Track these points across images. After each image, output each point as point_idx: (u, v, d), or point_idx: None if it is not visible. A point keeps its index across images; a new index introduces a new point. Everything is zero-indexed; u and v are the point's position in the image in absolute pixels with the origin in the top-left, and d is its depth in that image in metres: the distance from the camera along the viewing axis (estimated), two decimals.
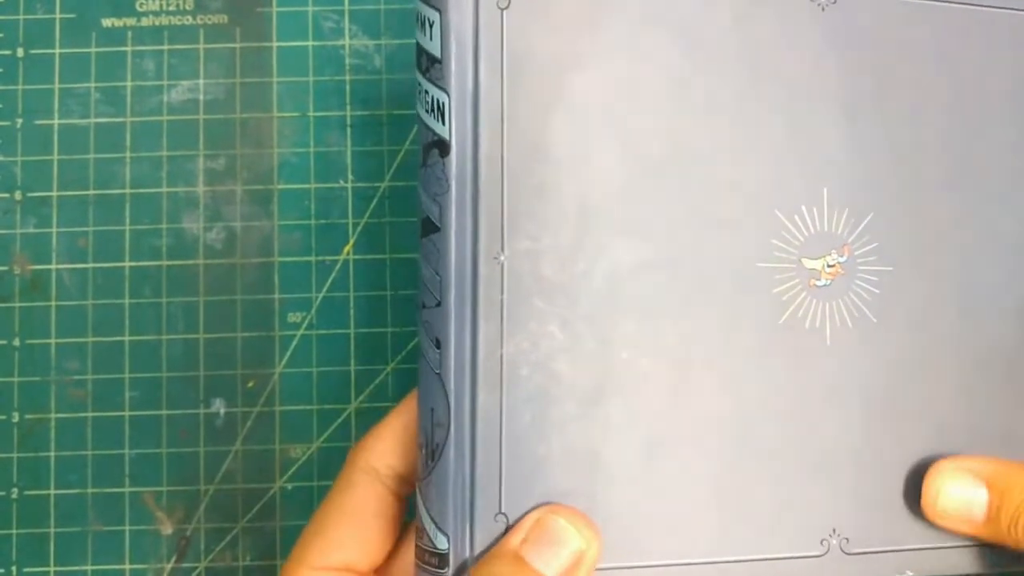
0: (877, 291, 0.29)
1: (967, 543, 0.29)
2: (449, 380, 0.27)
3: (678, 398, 0.28)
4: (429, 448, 0.27)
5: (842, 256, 0.29)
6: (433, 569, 0.27)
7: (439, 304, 0.26)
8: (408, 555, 0.30)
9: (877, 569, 0.28)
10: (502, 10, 0.26)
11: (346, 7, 0.38)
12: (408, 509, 0.30)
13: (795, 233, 0.28)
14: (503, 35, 0.26)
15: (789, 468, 0.28)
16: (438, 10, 0.26)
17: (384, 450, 0.29)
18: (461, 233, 0.26)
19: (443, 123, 0.26)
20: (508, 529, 0.27)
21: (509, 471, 0.27)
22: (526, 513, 0.27)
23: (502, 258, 0.26)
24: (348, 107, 0.38)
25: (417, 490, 0.28)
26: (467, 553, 0.27)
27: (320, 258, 0.38)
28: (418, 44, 0.27)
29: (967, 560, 0.29)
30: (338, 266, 0.38)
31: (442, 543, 0.27)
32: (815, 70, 0.28)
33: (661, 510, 0.27)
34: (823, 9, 0.28)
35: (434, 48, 0.26)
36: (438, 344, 0.27)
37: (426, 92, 0.26)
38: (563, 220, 0.27)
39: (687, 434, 0.28)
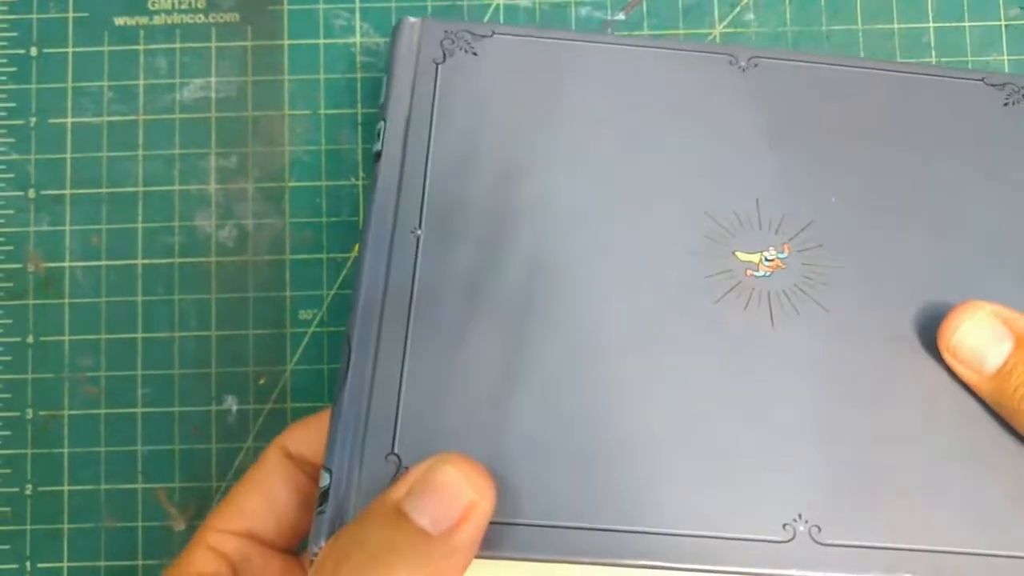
0: (824, 284, 0.30)
1: (963, 549, 0.27)
2: (355, 324, 0.29)
3: (597, 372, 0.29)
4: (333, 400, 0.29)
5: (782, 252, 0.31)
6: (317, 508, 0.27)
7: (360, 269, 0.30)
8: None
9: (863, 564, 0.27)
10: (437, 64, 0.33)
11: (357, 5, 0.39)
12: None
13: (727, 229, 0.31)
14: (436, 83, 0.33)
15: (739, 449, 0.28)
16: (392, 59, 0.33)
17: (303, 438, 0.30)
18: (383, 210, 0.31)
19: (380, 142, 0.32)
20: (398, 472, 0.26)
21: (407, 410, 0.27)
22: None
23: (418, 232, 0.31)
24: (359, 105, 0.38)
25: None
26: (350, 494, 0.26)
27: (331, 255, 0.38)
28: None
29: (968, 568, 0.27)
30: (349, 263, 0.38)
31: (324, 480, 0.27)
32: (738, 112, 0.32)
33: (571, 472, 0.27)
34: (744, 71, 0.33)
35: (384, 89, 0.33)
36: (351, 305, 0.30)
37: (379, 122, 0.33)
38: (477, 206, 0.31)
39: (612, 410, 0.28)
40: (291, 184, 0.38)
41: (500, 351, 0.29)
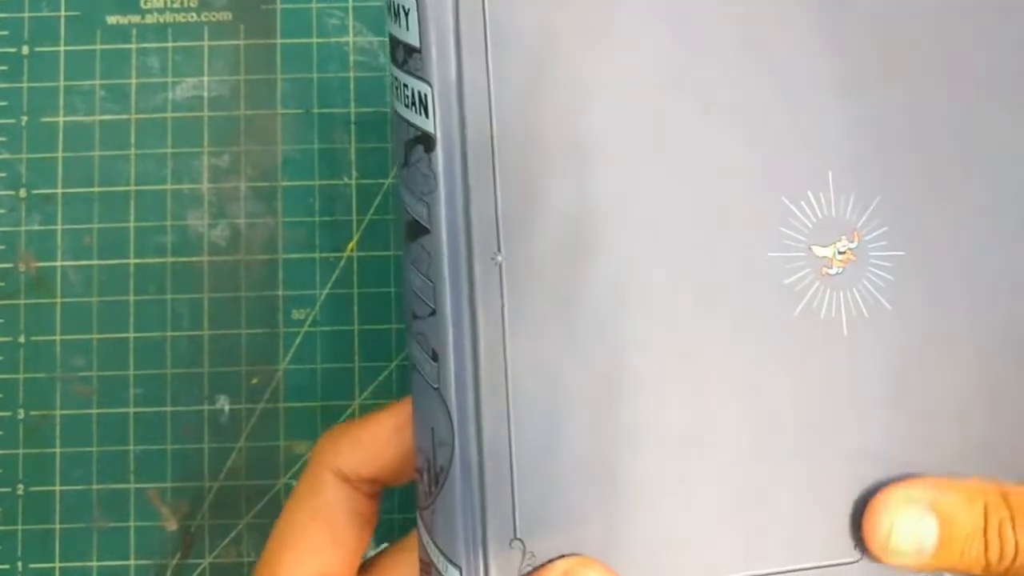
0: (891, 277, 0.27)
1: None
2: (450, 395, 0.24)
3: (693, 402, 0.26)
4: (431, 472, 0.25)
5: (852, 242, 0.27)
6: None
7: (434, 313, 0.24)
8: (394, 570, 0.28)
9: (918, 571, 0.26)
10: None
11: (350, 4, 0.39)
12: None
13: (803, 220, 0.27)
14: (485, 20, 0.24)
15: (812, 468, 0.26)
16: None
17: (357, 457, 0.28)
18: (453, 234, 0.24)
19: (426, 116, 0.24)
20: (523, 558, 0.24)
21: (522, 492, 0.24)
22: (550, 559, 0.24)
23: (499, 258, 0.24)
24: (352, 104, 0.38)
25: (418, 519, 0.26)
26: None
27: (324, 255, 0.38)
28: (392, 36, 0.25)
29: None
30: (342, 263, 0.38)
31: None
32: (808, 49, 0.27)
33: (683, 523, 0.25)
34: None
35: (411, 38, 0.24)
36: (435, 356, 0.24)
37: (404, 86, 0.25)
38: (561, 215, 0.25)
39: (705, 440, 0.26)
40: (284, 183, 0.38)
41: (599, 404, 0.25)
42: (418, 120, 0.24)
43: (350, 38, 0.38)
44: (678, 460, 0.25)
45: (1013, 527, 0.25)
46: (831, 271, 0.27)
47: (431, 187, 0.24)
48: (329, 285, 0.38)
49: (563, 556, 0.24)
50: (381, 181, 0.38)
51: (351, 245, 0.38)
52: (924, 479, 0.27)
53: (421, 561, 0.26)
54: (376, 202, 0.38)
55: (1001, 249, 0.28)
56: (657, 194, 0.26)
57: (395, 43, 0.25)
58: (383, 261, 0.38)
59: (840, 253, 0.27)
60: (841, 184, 0.27)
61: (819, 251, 0.27)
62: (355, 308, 0.37)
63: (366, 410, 0.37)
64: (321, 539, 0.27)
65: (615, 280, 0.25)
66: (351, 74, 0.38)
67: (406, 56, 0.25)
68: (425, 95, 0.24)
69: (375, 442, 0.28)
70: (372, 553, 0.30)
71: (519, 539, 0.24)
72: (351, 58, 0.38)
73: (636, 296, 0.25)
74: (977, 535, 0.26)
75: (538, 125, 0.25)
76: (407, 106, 0.25)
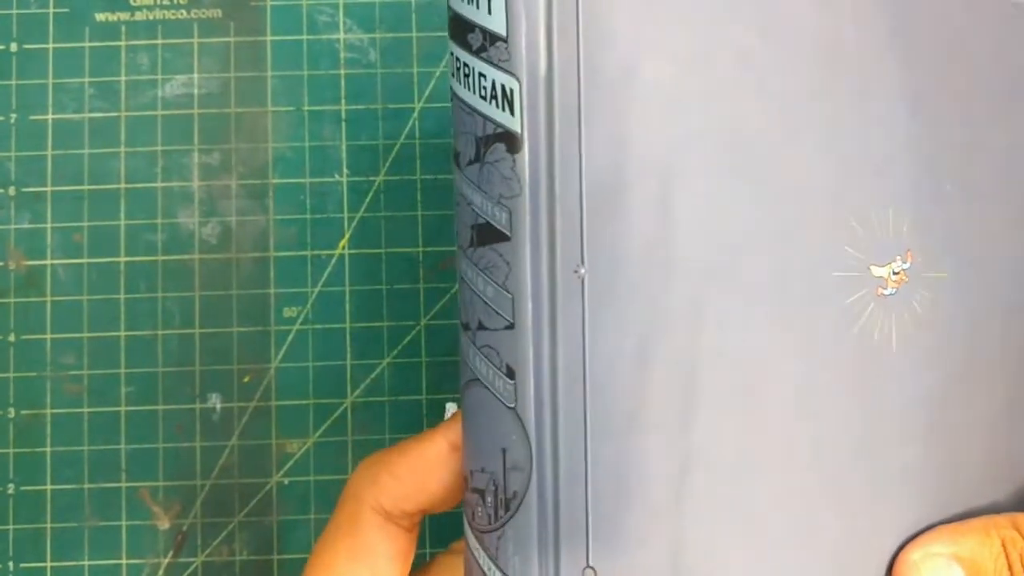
0: (935, 298, 0.27)
1: None
2: (528, 416, 0.23)
3: (758, 423, 0.25)
4: (500, 496, 0.24)
5: (906, 263, 0.26)
6: None
7: (511, 326, 0.23)
8: None
9: None
10: None
11: (340, 1, 0.38)
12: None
13: (865, 238, 0.26)
14: (578, 10, 0.22)
15: (857, 491, 0.26)
16: None
17: (400, 496, 0.26)
18: (537, 244, 0.22)
19: (511, 113, 0.22)
20: None
21: (595, 518, 0.23)
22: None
23: (582, 271, 0.23)
24: (343, 101, 0.38)
25: (475, 541, 0.25)
26: None
27: (316, 252, 0.38)
28: (459, 15, 0.23)
29: None
30: (334, 260, 0.38)
31: None
32: (885, 65, 0.26)
33: (743, 547, 0.25)
34: None
35: (494, 24, 0.22)
36: (511, 373, 0.23)
37: (481, 75, 0.23)
38: (643, 230, 0.23)
39: (766, 463, 0.25)
40: (275, 181, 0.38)
41: (671, 424, 0.24)
42: (499, 116, 0.22)
43: (340, 35, 0.38)
44: (742, 483, 0.25)
45: None
46: (886, 291, 0.26)
47: (514, 191, 0.22)
48: (321, 283, 0.37)
49: None
50: (372, 179, 0.38)
51: (342, 243, 0.38)
52: (938, 530, 0.27)
53: None
54: (367, 200, 0.38)
55: None
56: (735, 211, 0.24)
57: (467, 26, 0.23)
58: (375, 259, 0.38)
59: (895, 273, 0.26)
60: (901, 204, 0.26)
61: (877, 271, 0.26)
62: (347, 305, 0.37)
63: (358, 408, 0.37)
64: None
65: (692, 298, 0.24)
66: (342, 71, 0.38)
67: (485, 43, 0.22)
68: (511, 90, 0.22)
69: (416, 475, 0.26)
70: None
71: (591, 567, 0.23)
72: (341, 55, 0.38)
73: (711, 316, 0.24)
74: (1003, 572, 0.26)
75: (627, 132, 0.23)
76: (484, 98, 0.23)
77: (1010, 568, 0.26)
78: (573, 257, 0.22)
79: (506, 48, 0.22)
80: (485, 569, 0.24)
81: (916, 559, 0.27)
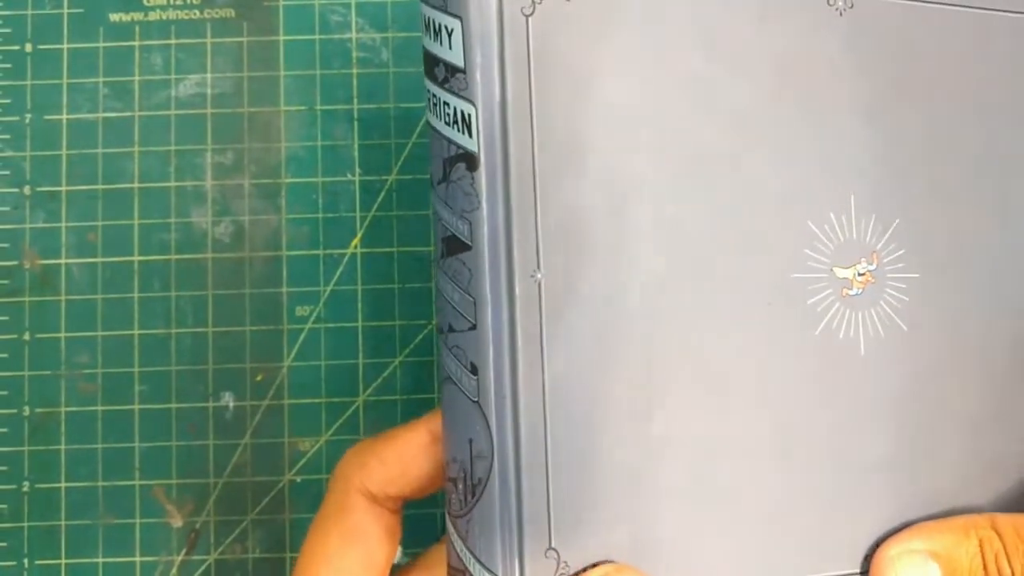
0: (906, 299, 0.28)
1: None
2: (490, 408, 0.25)
3: (719, 415, 0.26)
4: (468, 483, 0.25)
5: (871, 264, 0.28)
6: None
7: (474, 327, 0.25)
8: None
9: None
10: (527, 16, 0.24)
11: (352, 0, 0.38)
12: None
13: (826, 242, 0.27)
14: (529, 43, 0.24)
15: (828, 482, 0.27)
16: (458, 17, 0.24)
17: (385, 478, 0.28)
18: (495, 251, 0.24)
19: (470, 135, 0.24)
20: (558, 569, 0.25)
21: (557, 503, 0.25)
22: (584, 567, 0.25)
23: (539, 276, 0.25)
24: (355, 100, 0.38)
25: (450, 526, 0.26)
26: None
27: (328, 251, 0.38)
28: (428, 52, 0.26)
29: None
30: (346, 259, 0.38)
31: None
32: (834, 74, 0.27)
33: (706, 532, 0.26)
34: (841, 14, 0.28)
35: (454, 57, 0.25)
36: (474, 370, 0.25)
37: (445, 103, 0.25)
38: (597, 233, 0.25)
39: (729, 452, 0.26)
40: (287, 180, 0.38)
41: (632, 415, 0.26)
42: (460, 139, 0.25)
43: (353, 34, 0.38)
44: (704, 471, 0.26)
45: (1008, 558, 0.26)
46: (851, 292, 0.27)
47: (473, 205, 0.24)
48: (333, 281, 0.38)
49: (596, 564, 0.25)
50: (384, 177, 0.38)
51: (355, 241, 0.38)
52: (918, 527, 0.28)
53: (453, 568, 0.26)
54: (379, 199, 0.38)
55: (1008, 272, 0.29)
56: (690, 216, 0.26)
57: (434, 60, 0.25)
58: (387, 257, 0.38)
59: (860, 275, 0.27)
60: (863, 207, 0.27)
61: (840, 272, 0.27)
62: (359, 304, 0.37)
63: (370, 407, 0.37)
64: (355, 560, 0.28)
65: (648, 297, 0.26)
66: (354, 71, 0.38)
67: (447, 75, 0.25)
68: (469, 115, 0.24)
69: (401, 461, 0.28)
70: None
71: (554, 548, 0.25)
72: (354, 54, 0.38)
73: (667, 313, 0.26)
74: (978, 571, 0.26)
75: (578, 147, 0.25)
76: (448, 124, 0.25)
77: (985, 568, 0.26)
78: (530, 263, 0.24)
79: (464, 78, 0.24)
80: (459, 552, 0.26)
81: (893, 555, 0.27)
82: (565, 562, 0.25)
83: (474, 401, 0.25)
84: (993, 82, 0.29)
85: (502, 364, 0.24)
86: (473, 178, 0.24)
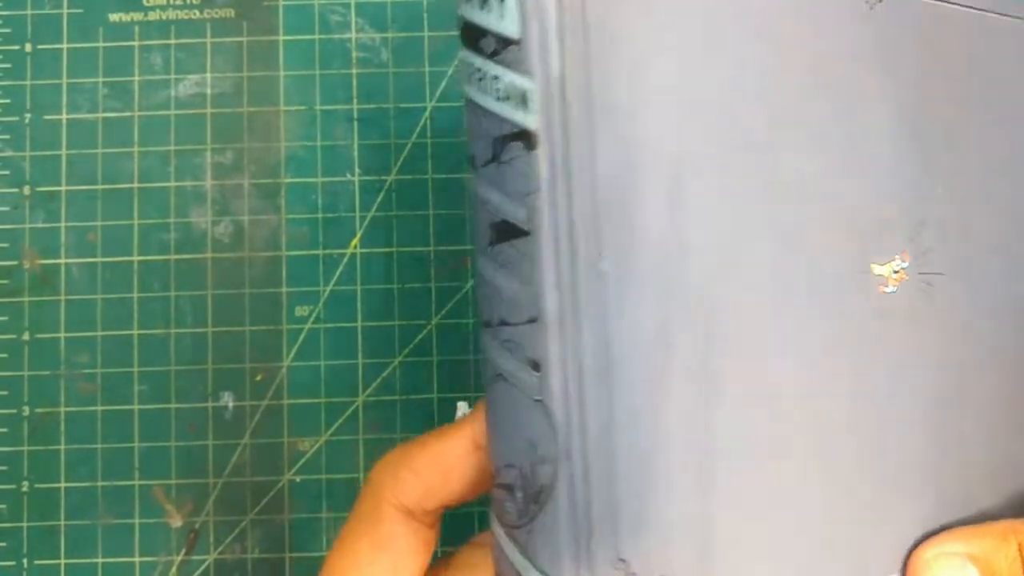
0: (933, 298, 0.27)
1: None
2: (556, 408, 0.23)
3: (774, 417, 0.25)
4: (529, 490, 0.24)
5: (904, 262, 0.27)
6: None
7: (534, 320, 0.23)
8: None
9: None
10: None
11: (352, 0, 0.38)
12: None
13: (863, 237, 0.26)
14: (585, 15, 0.22)
15: (867, 483, 0.26)
16: None
17: (421, 494, 0.26)
18: (557, 238, 0.23)
19: (527, 111, 0.23)
20: None
21: (626, 511, 0.23)
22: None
23: (602, 264, 0.23)
24: (355, 100, 0.38)
25: (503, 536, 0.25)
26: None
27: (327, 251, 0.38)
28: (470, 22, 0.24)
29: None
30: (345, 259, 0.38)
31: None
32: (865, 68, 0.26)
33: (763, 539, 0.25)
34: (871, 8, 0.27)
35: (507, 28, 0.23)
36: (535, 366, 0.23)
37: (495, 77, 0.23)
38: (656, 219, 0.23)
39: (782, 453, 0.25)
40: (287, 180, 0.38)
41: (693, 414, 0.24)
42: (515, 115, 0.23)
43: (352, 34, 0.38)
44: (757, 470, 0.25)
45: None
46: (887, 289, 0.26)
47: (532, 187, 0.23)
48: (333, 282, 0.38)
49: None
50: (384, 178, 0.38)
51: (354, 242, 0.38)
52: (955, 530, 0.27)
53: None
54: (379, 199, 0.38)
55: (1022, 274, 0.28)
56: (743, 208, 0.25)
57: (478, 31, 0.24)
58: (386, 257, 0.38)
59: (895, 272, 0.26)
60: (895, 202, 0.27)
61: (878, 269, 0.26)
62: (359, 304, 0.37)
63: (370, 407, 0.37)
64: (385, 570, 0.26)
65: (706, 291, 0.24)
66: (353, 71, 0.38)
67: (498, 47, 0.23)
68: (527, 90, 0.23)
69: (438, 470, 0.26)
70: None
71: (623, 559, 0.23)
72: (353, 54, 0.38)
73: (723, 308, 0.24)
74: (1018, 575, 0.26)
75: (637, 128, 0.23)
76: (499, 99, 0.23)
77: None
78: (592, 250, 0.23)
79: (519, 51, 0.22)
80: (517, 565, 0.24)
81: (929, 558, 0.27)
82: (634, 573, 0.23)
83: (536, 400, 0.23)
84: (1015, 87, 0.29)
85: (566, 359, 0.23)
86: (532, 158, 0.23)
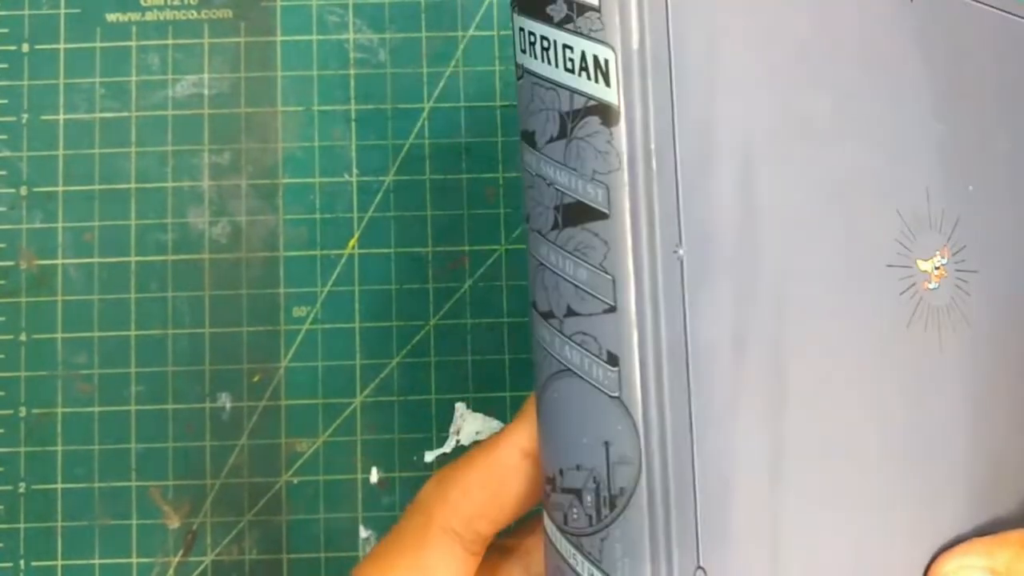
0: (970, 296, 0.26)
1: None
2: (636, 405, 0.21)
3: (831, 410, 0.24)
4: (604, 494, 0.22)
5: (943, 258, 0.26)
6: None
7: (612, 309, 0.21)
8: None
9: None
10: None
11: (350, 1, 0.38)
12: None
13: (909, 233, 0.25)
14: None
15: (912, 487, 0.25)
16: None
17: (473, 514, 0.25)
18: (638, 222, 0.21)
19: (606, 84, 0.21)
20: None
21: (704, 515, 0.22)
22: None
23: (680, 251, 0.22)
24: (352, 101, 0.38)
25: (567, 546, 0.23)
26: None
27: (325, 252, 0.38)
28: None
29: None
30: (343, 260, 0.38)
31: None
32: (906, 62, 0.26)
33: (827, 546, 0.24)
34: (911, 0, 0.26)
35: None
36: (613, 360, 0.22)
37: (566, 47, 0.22)
38: (730, 205, 0.22)
39: (843, 452, 0.24)
40: (284, 180, 0.38)
41: (764, 411, 0.23)
42: (591, 88, 0.21)
43: (350, 35, 0.38)
44: (823, 473, 0.24)
45: None
46: (930, 286, 0.26)
47: (611, 166, 0.21)
48: (330, 282, 0.38)
49: None
50: (381, 178, 0.38)
51: (352, 242, 0.38)
52: (974, 542, 0.27)
53: None
54: (376, 200, 0.38)
55: None
56: (805, 197, 0.24)
57: None
58: (384, 258, 0.38)
59: (936, 268, 0.26)
60: (935, 198, 0.26)
61: (922, 265, 0.26)
62: (356, 305, 0.37)
63: (367, 408, 0.37)
64: None
65: (776, 283, 0.23)
66: (351, 71, 0.38)
67: (571, 13, 0.22)
68: (606, 60, 0.21)
69: (487, 489, 0.25)
70: None
71: (702, 567, 0.22)
72: (351, 55, 0.38)
73: (792, 301, 0.23)
74: None
75: (711, 109, 0.22)
76: (571, 71, 0.22)
77: None
78: (672, 236, 0.21)
79: (599, 18, 0.21)
80: (585, 573, 0.23)
81: (949, 571, 0.26)
82: None
83: (613, 397, 0.22)
84: None
85: (647, 352, 0.21)
86: (611, 134, 0.21)
